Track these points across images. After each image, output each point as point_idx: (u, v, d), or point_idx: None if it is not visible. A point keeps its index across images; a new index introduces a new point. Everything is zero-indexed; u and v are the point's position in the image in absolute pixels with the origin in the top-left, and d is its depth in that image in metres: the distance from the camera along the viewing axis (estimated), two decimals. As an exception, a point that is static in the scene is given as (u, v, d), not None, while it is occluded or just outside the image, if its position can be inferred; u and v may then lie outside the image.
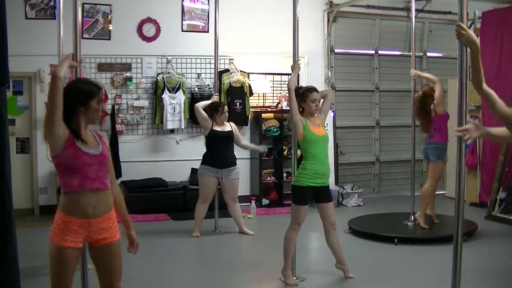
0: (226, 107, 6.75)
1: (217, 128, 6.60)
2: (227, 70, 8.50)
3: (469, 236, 6.11)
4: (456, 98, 3.38)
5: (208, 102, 6.80)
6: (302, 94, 4.82)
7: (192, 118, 8.33)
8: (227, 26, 7.71)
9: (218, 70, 7.31)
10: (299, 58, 5.00)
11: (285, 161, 8.65)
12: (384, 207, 8.16)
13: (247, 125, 8.70)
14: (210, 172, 6.54)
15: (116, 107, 8.11)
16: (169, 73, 8.23)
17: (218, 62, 7.22)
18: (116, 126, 8.08)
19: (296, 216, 4.83)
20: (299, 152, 5.11)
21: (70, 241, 2.91)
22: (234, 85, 8.46)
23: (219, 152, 6.58)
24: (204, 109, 6.65)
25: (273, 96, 8.97)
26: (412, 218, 6.71)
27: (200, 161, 6.69)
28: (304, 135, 4.73)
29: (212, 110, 6.61)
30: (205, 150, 6.70)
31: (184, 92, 8.24)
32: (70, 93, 2.96)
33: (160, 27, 8.32)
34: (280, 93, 8.92)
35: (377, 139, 9.84)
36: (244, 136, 8.69)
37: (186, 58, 8.46)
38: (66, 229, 2.91)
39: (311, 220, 7.30)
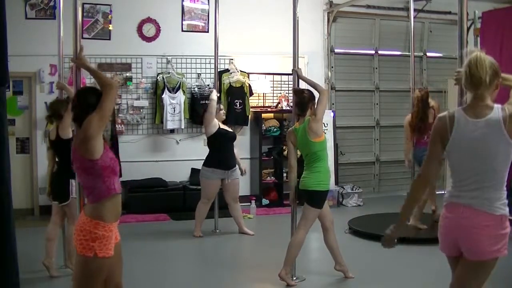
0: (221, 105, 6.76)
1: (224, 128, 6.60)
2: (227, 70, 8.50)
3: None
4: (456, 98, 3.39)
5: (215, 100, 6.75)
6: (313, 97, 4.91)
7: (192, 118, 8.34)
8: (227, 26, 7.70)
9: (218, 70, 7.31)
10: (299, 68, 5.05)
11: (285, 161, 8.62)
12: (384, 207, 8.15)
13: (247, 125, 8.70)
14: (216, 175, 6.51)
15: (116, 107, 8.10)
16: (169, 73, 8.23)
17: (218, 62, 7.22)
18: (116, 126, 8.07)
19: (313, 221, 4.81)
20: (298, 152, 5.10)
21: (111, 248, 2.92)
22: (234, 85, 8.45)
23: (226, 152, 6.58)
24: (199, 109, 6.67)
25: (273, 96, 8.97)
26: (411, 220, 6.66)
27: (204, 162, 6.60)
28: (324, 136, 4.85)
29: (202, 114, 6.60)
30: (210, 151, 6.61)
31: (184, 92, 8.24)
32: (98, 97, 2.98)
33: (160, 27, 8.32)
34: (280, 93, 8.92)
35: (377, 139, 9.85)
36: (244, 136, 8.73)
37: (186, 58, 8.46)
38: (111, 238, 2.92)
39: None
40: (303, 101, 4.83)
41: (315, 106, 4.83)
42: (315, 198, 4.75)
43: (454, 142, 2.79)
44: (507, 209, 2.75)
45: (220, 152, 6.55)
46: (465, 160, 2.78)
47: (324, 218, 4.97)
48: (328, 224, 4.99)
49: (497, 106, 2.76)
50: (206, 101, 7.93)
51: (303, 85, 5.21)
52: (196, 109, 8.22)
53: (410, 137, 6.68)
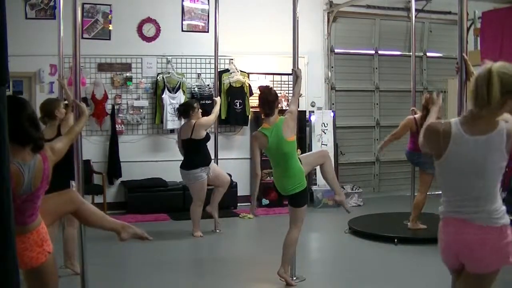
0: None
1: None
2: (227, 70, 8.50)
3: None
4: (456, 98, 3.39)
5: (217, 107, 6.78)
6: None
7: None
8: (227, 26, 7.71)
9: (218, 70, 7.31)
10: (299, 68, 5.03)
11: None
12: (384, 207, 8.16)
13: (247, 125, 8.69)
14: (205, 173, 6.53)
15: (116, 107, 8.11)
16: (169, 73, 8.23)
17: (218, 62, 7.22)
18: (116, 126, 8.08)
19: (303, 217, 4.82)
20: (299, 151, 5.10)
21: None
22: (234, 85, 8.46)
23: (207, 150, 6.64)
24: (183, 109, 6.61)
25: (273, 96, 8.96)
26: (410, 224, 6.64)
27: (191, 166, 6.46)
28: (295, 136, 4.79)
29: (190, 108, 6.51)
30: (198, 152, 6.50)
31: (184, 92, 8.24)
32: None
33: (160, 27, 8.32)
34: (280, 93, 8.91)
35: (377, 139, 9.83)
36: (244, 136, 8.74)
37: (186, 58, 8.46)
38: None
39: (311, 220, 7.31)
40: (273, 99, 4.73)
41: (279, 105, 4.86)
42: (298, 200, 4.74)
43: (449, 160, 2.65)
44: (507, 217, 2.68)
45: (205, 152, 6.55)
46: (461, 177, 2.66)
47: (318, 161, 4.96)
48: (322, 161, 4.96)
49: (502, 122, 2.60)
50: (207, 101, 7.96)
51: (303, 83, 5.21)
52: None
53: (398, 136, 6.75)
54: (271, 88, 4.97)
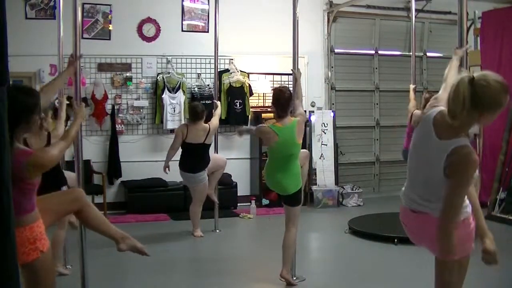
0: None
1: None
2: (227, 70, 8.50)
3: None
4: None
5: (219, 110, 6.80)
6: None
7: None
8: (227, 26, 7.71)
9: (218, 70, 7.31)
10: (299, 69, 5.03)
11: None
12: (384, 207, 8.16)
13: (247, 125, 8.69)
14: (206, 174, 6.54)
15: (116, 107, 8.11)
16: (169, 73, 8.23)
17: (218, 62, 7.22)
18: (116, 126, 8.08)
19: (299, 215, 4.87)
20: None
21: (45, 237, 2.92)
22: (234, 85, 8.46)
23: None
24: (196, 110, 6.58)
25: (273, 96, 8.96)
26: None
27: (199, 168, 6.44)
28: None
29: (203, 111, 6.50)
30: (203, 156, 6.49)
31: (184, 92, 8.25)
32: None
33: (160, 27, 8.32)
34: (280, 93, 8.92)
35: (377, 139, 9.85)
36: (244, 136, 8.72)
37: (186, 58, 8.46)
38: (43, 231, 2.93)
39: (311, 220, 7.32)
40: (286, 101, 4.66)
41: (294, 108, 4.79)
42: (297, 198, 4.79)
43: (412, 146, 2.79)
44: (468, 209, 2.75)
45: (208, 154, 6.53)
46: (419, 169, 2.73)
47: (302, 161, 4.96)
48: (303, 162, 5.00)
49: (461, 145, 2.49)
50: (207, 101, 7.96)
51: (303, 83, 5.20)
52: (196, 109, 8.21)
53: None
54: (284, 89, 4.77)
